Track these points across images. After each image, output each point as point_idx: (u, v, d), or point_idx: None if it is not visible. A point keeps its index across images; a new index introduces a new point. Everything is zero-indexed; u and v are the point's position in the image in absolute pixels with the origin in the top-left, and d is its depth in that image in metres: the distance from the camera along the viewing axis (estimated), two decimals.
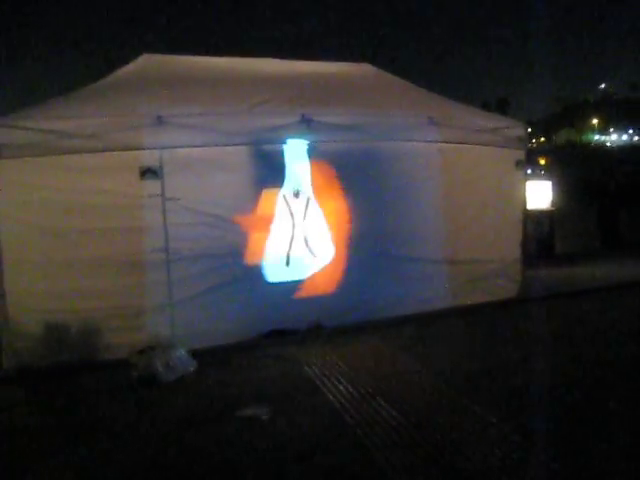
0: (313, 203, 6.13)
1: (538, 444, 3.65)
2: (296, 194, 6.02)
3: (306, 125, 5.83)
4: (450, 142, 6.55)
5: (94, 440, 3.92)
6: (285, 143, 5.89)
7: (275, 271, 6.02)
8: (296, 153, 5.97)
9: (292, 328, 5.99)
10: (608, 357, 5.12)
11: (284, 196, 5.99)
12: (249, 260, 5.87)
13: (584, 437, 3.71)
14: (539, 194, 10.01)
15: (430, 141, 6.47)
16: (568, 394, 4.34)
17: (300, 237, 6.09)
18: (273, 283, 5.99)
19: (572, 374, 4.77)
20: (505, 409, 4.12)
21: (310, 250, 6.16)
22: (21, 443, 3.97)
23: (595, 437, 3.70)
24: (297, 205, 6.04)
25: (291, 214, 6.02)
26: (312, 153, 6.00)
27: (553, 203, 10.14)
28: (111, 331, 5.32)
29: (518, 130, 7.09)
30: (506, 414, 4.03)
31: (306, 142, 5.95)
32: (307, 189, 6.08)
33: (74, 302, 5.27)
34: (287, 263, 6.05)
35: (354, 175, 6.19)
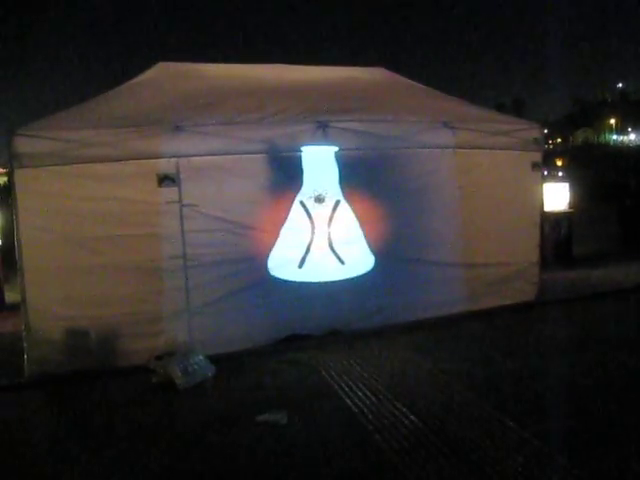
0: (344, 208, 6.16)
1: (558, 450, 3.63)
2: (318, 199, 6.05)
3: (322, 131, 5.87)
4: (465, 146, 6.55)
5: (115, 445, 3.98)
6: (301, 150, 5.92)
7: (292, 275, 6.05)
8: (316, 159, 6.01)
9: (310, 333, 6.04)
10: (630, 362, 5.09)
11: (302, 202, 6.02)
12: (265, 266, 5.91)
13: (607, 444, 3.69)
14: (556, 196, 9.96)
15: (446, 145, 6.48)
16: (589, 400, 4.32)
17: (322, 242, 6.12)
18: (291, 287, 6.02)
19: (593, 379, 4.75)
20: (525, 413, 4.12)
21: (337, 256, 6.18)
22: (44, 448, 4.05)
23: (618, 444, 3.68)
24: (319, 210, 6.07)
25: (311, 220, 6.05)
26: (337, 159, 6.05)
27: (571, 205, 10.07)
28: (130, 337, 5.39)
29: (534, 132, 7.06)
30: (526, 419, 4.02)
31: (324, 148, 5.99)
32: (334, 194, 6.11)
33: (93, 309, 5.34)
34: (300, 266, 6.08)
35: (371, 180, 6.22)
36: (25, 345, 5.25)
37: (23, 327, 5.24)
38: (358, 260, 6.28)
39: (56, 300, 5.28)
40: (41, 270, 5.24)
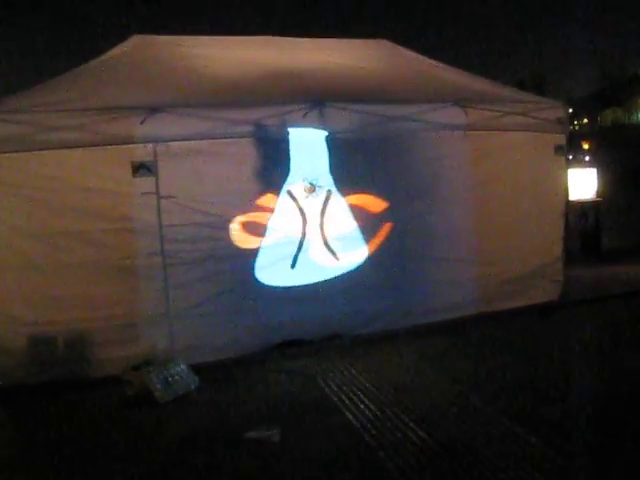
0: (336, 198, 6.17)
1: (584, 469, 3.63)
2: (309, 189, 6.05)
3: (317, 112, 5.86)
4: (479, 127, 6.54)
5: (84, 467, 3.97)
6: (294, 133, 5.92)
7: (284, 275, 6.07)
8: (309, 143, 6.01)
9: (305, 338, 6.05)
10: None
11: (289, 191, 6.04)
12: (255, 263, 5.91)
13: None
14: (583, 183, 9.95)
15: (457, 126, 6.47)
16: (620, 413, 4.32)
17: (316, 236, 6.14)
18: (283, 288, 6.04)
19: (626, 390, 4.74)
20: (548, 429, 4.10)
21: (331, 251, 6.19)
22: (5, 470, 4.03)
23: None
24: (311, 201, 6.09)
25: (301, 212, 6.06)
26: (330, 143, 6.04)
27: (599, 193, 10.06)
28: (103, 345, 5.40)
29: (558, 111, 7.05)
30: (548, 434, 4.01)
31: (319, 131, 5.97)
32: (327, 183, 6.12)
33: (61, 313, 5.35)
34: (293, 265, 6.09)
35: (372, 167, 6.23)
36: None
37: None
38: (351, 253, 6.29)
39: (19, 303, 5.29)
40: (2, 269, 5.25)
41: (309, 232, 6.12)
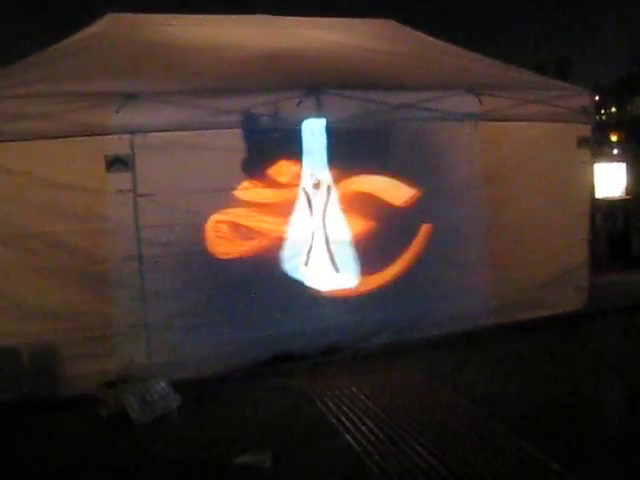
0: (334, 197, 6.18)
1: None
2: (316, 185, 6.09)
3: (314, 99, 5.86)
4: (494, 117, 6.56)
5: None
6: (286, 123, 5.92)
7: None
8: (304, 135, 6.02)
9: (301, 353, 6.05)
10: None
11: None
12: (243, 268, 5.91)
13: None
14: (611, 180, 9.95)
15: (469, 116, 6.49)
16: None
17: (315, 238, 6.17)
18: (276, 295, 6.04)
19: None
20: (572, 454, 4.10)
21: (331, 255, 6.21)
22: None
23: None
24: (317, 198, 6.12)
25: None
26: (328, 134, 6.05)
27: (629, 190, 10.07)
28: (73, 359, 5.38)
29: (582, 99, 7.07)
30: (573, 461, 4.00)
31: (315, 121, 5.98)
32: (325, 179, 6.14)
33: (27, 323, 5.32)
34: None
35: (376, 162, 6.23)
36: None
37: None
38: (350, 268, 6.30)
39: None
40: None
41: (316, 232, 6.15)
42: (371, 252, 6.27)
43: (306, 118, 5.95)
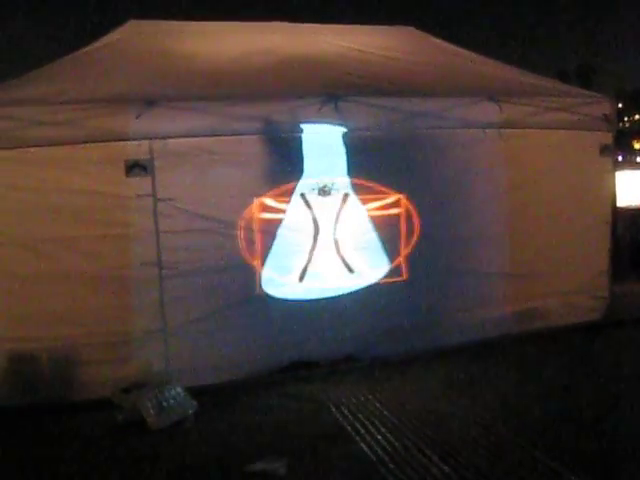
0: (354, 203, 6.17)
1: None
2: (323, 191, 6.05)
3: (333, 107, 5.86)
4: (515, 124, 6.52)
5: None
6: (307, 130, 5.93)
7: (290, 293, 6.08)
8: (324, 142, 6.02)
9: (317, 360, 6.05)
10: None
11: (303, 194, 6.04)
12: (261, 275, 5.93)
13: None
14: (633, 188, 9.87)
15: (490, 124, 6.46)
16: None
17: (327, 246, 6.14)
18: (293, 303, 6.05)
19: None
20: (588, 467, 4.05)
21: (346, 263, 6.19)
22: None
23: None
24: (324, 205, 6.09)
25: (313, 217, 6.07)
26: (347, 141, 6.04)
27: None
28: (91, 364, 5.40)
29: (604, 106, 7.01)
30: (590, 473, 3.97)
31: (334, 128, 5.98)
32: (342, 185, 6.12)
33: (45, 329, 5.36)
34: (301, 279, 6.10)
35: (395, 169, 6.22)
36: None
37: None
38: (370, 266, 6.29)
39: None
40: None
41: (320, 240, 6.12)
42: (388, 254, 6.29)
43: (324, 124, 5.94)
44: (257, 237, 5.89)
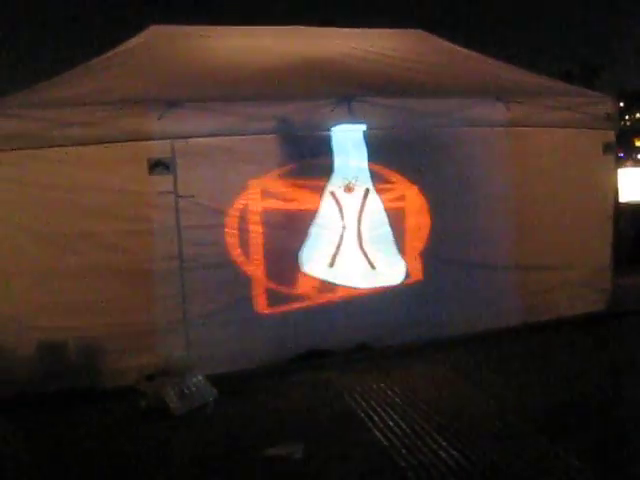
0: (373, 199, 6.17)
1: None
2: (348, 188, 6.06)
3: (347, 107, 5.85)
4: (522, 123, 6.48)
5: None
6: (329, 129, 5.93)
7: (322, 274, 6.10)
8: (344, 140, 6.01)
9: (332, 349, 6.04)
10: None
11: (332, 192, 6.06)
12: (277, 267, 5.93)
13: None
14: (635, 184, 9.79)
15: (498, 123, 6.42)
16: None
17: (352, 239, 6.15)
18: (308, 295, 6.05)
19: None
20: (589, 450, 4.04)
21: (367, 258, 6.19)
22: None
23: None
24: (349, 201, 6.10)
25: (341, 213, 6.11)
26: (364, 139, 6.03)
27: None
28: (115, 353, 5.43)
29: (607, 106, 6.94)
30: (592, 457, 3.95)
31: (348, 127, 5.96)
32: (363, 181, 6.12)
33: (72, 319, 5.39)
34: (331, 265, 6.11)
35: (406, 166, 6.21)
36: None
37: None
38: (389, 265, 6.28)
39: (28, 308, 5.34)
40: (10, 273, 5.32)
41: (347, 234, 6.14)
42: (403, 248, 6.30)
43: (339, 124, 5.92)
44: (275, 232, 5.91)
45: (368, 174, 6.12)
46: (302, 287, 6.04)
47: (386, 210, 6.22)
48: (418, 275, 6.34)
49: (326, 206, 6.05)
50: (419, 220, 6.31)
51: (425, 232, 6.32)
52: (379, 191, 6.18)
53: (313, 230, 6.00)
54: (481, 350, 6.13)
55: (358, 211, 6.14)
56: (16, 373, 5.28)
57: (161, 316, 5.56)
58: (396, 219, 6.25)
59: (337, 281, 6.14)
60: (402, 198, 6.27)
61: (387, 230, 6.25)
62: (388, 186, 6.21)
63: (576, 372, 5.51)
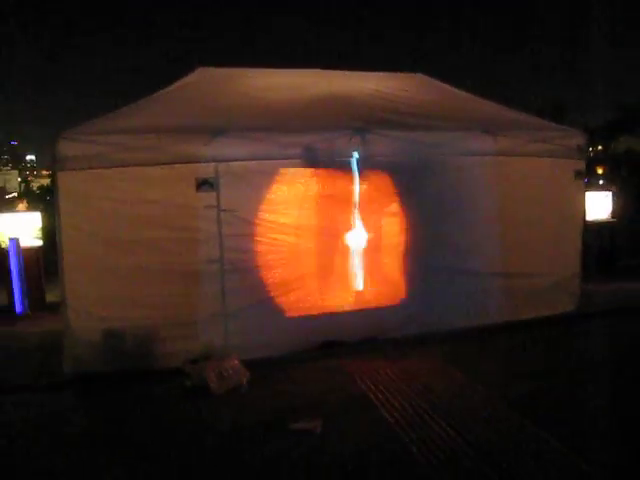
0: (368, 216, 6.14)
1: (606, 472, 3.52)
2: (354, 207, 6.04)
3: (360, 138, 5.85)
4: (506, 153, 6.44)
5: (146, 453, 4.00)
6: (341, 156, 5.92)
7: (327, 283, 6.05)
8: (351, 165, 5.98)
9: (345, 340, 6.00)
10: None
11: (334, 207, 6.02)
12: (301, 271, 5.92)
13: None
14: (599, 205, 9.72)
15: (486, 152, 6.39)
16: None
17: (354, 252, 6.12)
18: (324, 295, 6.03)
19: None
20: (572, 435, 3.98)
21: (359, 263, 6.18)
22: (76, 453, 4.06)
23: None
24: (349, 217, 6.07)
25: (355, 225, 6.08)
26: (364, 165, 6.00)
27: (614, 214, 9.82)
28: (166, 340, 5.43)
29: (578, 139, 6.91)
30: (572, 440, 3.88)
31: (358, 155, 5.95)
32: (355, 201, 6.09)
33: (131, 310, 5.40)
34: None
35: (409, 187, 6.19)
36: (64, 345, 5.36)
37: (63, 325, 5.35)
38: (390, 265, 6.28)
39: (95, 301, 5.37)
40: (81, 270, 5.35)
41: (350, 247, 6.10)
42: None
43: (354, 152, 5.91)
44: (298, 240, 5.90)
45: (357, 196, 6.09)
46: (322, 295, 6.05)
47: (383, 226, 6.22)
48: (414, 280, 6.30)
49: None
50: (417, 233, 6.27)
51: (423, 243, 6.27)
52: (375, 209, 6.17)
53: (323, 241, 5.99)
54: (472, 343, 6.07)
55: (356, 226, 6.11)
56: (85, 355, 5.29)
57: (204, 310, 5.56)
58: (393, 232, 6.25)
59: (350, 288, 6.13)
60: (397, 215, 6.25)
61: (388, 241, 6.24)
62: (387, 206, 6.22)
63: (555, 364, 5.47)
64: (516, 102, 7.72)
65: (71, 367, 5.30)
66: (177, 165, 5.40)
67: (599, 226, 9.55)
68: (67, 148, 5.14)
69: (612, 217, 9.81)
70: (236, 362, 5.10)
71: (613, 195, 9.94)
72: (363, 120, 6.06)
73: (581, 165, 7.00)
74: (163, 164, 5.34)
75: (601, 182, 13.85)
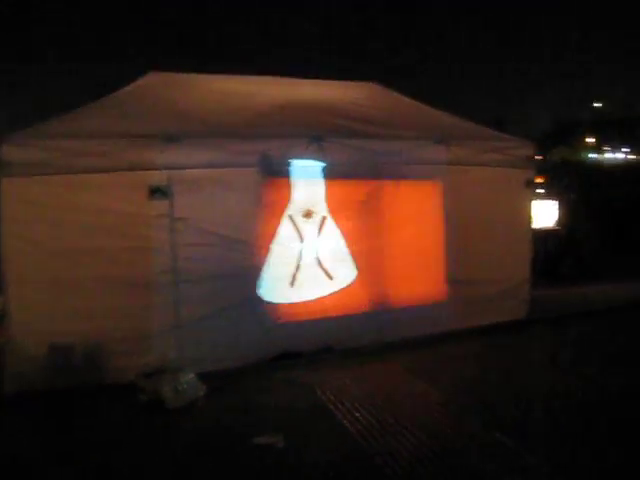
0: (329, 223, 6.09)
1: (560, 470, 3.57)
2: (307, 214, 5.96)
3: (316, 146, 5.79)
4: (459, 162, 6.51)
5: (99, 470, 3.80)
6: (294, 164, 5.86)
7: (282, 292, 5.96)
8: (307, 174, 5.94)
9: (302, 350, 5.90)
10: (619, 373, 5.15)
11: (291, 217, 5.95)
12: (257, 281, 5.80)
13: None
14: (545, 213, 9.99)
15: (439, 161, 6.44)
16: (601, 423, 4.25)
17: (311, 258, 6.04)
18: (282, 304, 5.92)
19: (599, 399, 4.71)
20: (525, 436, 4.03)
21: (325, 271, 6.08)
22: (19, 474, 3.82)
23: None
24: (308, 226, 6.00)
25: (299, 235, 5.96)
26: (326, 173, 5.98)
27: (559, 222, 10.11)
28: (117, 354, 5.21)
29: (528, 150, 7.08)
30: (528, 442, 3.93)
31: (316, 163, 5.90)
32: (321, 209, 6.04)
33: (79, 323, 5.15)
34: (292, 284, 5.98)
35: (364, 196, 6.18)
36: (6, 361, 5.05)
37: (3, 341, 5.07)
38: (344, 274, 6.22)
39: (40, 313, 5.09)
40: (25, 282, 5.07)
41: (306, 254, 6.02)
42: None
43: (308, 160, 5.87)
44: (256, 250, 5.77)
45: (325, 204, 6.07)
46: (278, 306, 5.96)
47: (342, 233, 6.18)
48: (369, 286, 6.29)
49: (285, 228, 5.95)
50: (367, 241, 6.27)
51: (376, 252, 6.27)
52: (335, 217, 6.12)
53: (273, 250, 5.89)
54: (425, 351, 6.08)
55: (316, 234, 6.07)
56: (29, 371, 5.01)
57: (157, 321, 5.36)
58: (351, 241, 6.21)
59: (298, 299, 6.03)
60: (354, 223, 6.22)
61: (344, 250, 6.19)
62: (344, 213, 6.17)
63: (508, 368, 5.54)
64: (463, 114, 7.80)
65: (13, 385, 4.99)
66: (129, 172, 5.20)
67: (546, 233, 9.79)
68: (12, 153, 4.89)
69: (557, 225, 10.09)
70: (192, 375, 4.92)
71: (559, 204, 10.25)
72: (319, 128, 6.02)
73: (531, 174, 7.17)
74: (113, 171, 5.15)
75: (541, 190, 14.26)
